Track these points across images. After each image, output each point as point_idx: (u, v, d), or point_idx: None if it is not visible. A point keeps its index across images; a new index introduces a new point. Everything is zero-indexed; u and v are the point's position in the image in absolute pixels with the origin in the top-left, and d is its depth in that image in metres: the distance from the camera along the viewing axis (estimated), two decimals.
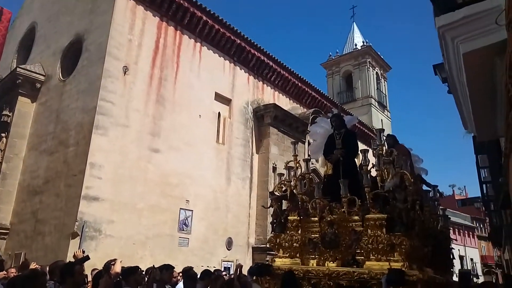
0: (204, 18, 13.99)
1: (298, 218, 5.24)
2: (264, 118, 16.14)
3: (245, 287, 5.05)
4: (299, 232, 5.16)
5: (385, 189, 4.71)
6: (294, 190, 5.62)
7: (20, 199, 11.93)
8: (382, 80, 30.76)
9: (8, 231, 11.69)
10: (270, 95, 17.38)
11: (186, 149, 12.72)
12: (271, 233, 5.82)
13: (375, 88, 29.16)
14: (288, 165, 5.98)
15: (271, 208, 5.89)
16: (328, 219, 4.85)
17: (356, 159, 5.99)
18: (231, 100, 15.16)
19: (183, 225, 12.23)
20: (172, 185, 12.05)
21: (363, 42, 30.63)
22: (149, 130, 11.81)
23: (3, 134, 12.38)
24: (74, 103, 11.44)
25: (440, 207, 7.24)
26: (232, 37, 15.11)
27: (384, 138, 6.21)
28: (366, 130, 22.99)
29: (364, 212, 4.69)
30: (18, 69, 12.79)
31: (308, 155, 17.55)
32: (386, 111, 29.77)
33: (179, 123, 12.71)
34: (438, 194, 6.99)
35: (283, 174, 6.03)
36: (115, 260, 5.92)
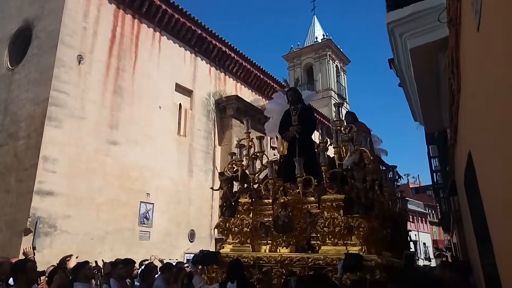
0: (164, 7, 13.65)
1: (250, 200, 4.91)
2: (227, 110, 16.10)
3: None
4: (251, 215, 4.83)
5: (343, 167, 4.49)
6: (246, 171, 5.31)
7: None
8: (342, 73, 31.52)
9: None
10: (232, 87, 17.33)
11: (146, 142, 12.45)
12: (219, 217, 5.47)
13: (335, 81, 29.86)
14: (240, 143, 5.60)
15: (221, 190, 5.49)
16: (282, 200, 4.55)
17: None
18: (192, 91, 14.97)
19: (144, 219, 12.04)
20: (132, 178, 11.78)
21: (323, 35, 31.18)
22: (107, 122, 11.43)
23: None
24: (24, 94, 10.82)
25: (399, 188, 7.39)
26: (192, 27, 14.87)
27: (342, 114, 5.96)
28: (326, 122, 23.55)
29: (321, 192, 4.44)
30: None
31: (271, 147, 17.82)
32: (345, 103, 30.59)
33: (138, 114, 12.40)
34: (397, 175, 6.83)
35: (235, 153, 5.64)
36: (70, 256, 5.73)
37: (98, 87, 11.38)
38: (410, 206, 41.45)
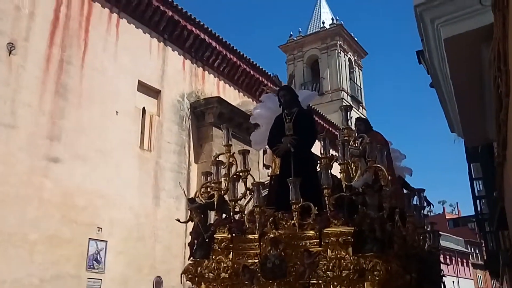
0: None
1: (229, 236, 4.81)
2: (206, 116, 16.19)
3: None
4: (230, 256, 4.74)
5: (351, 190, 4.43)
6: (225, 196, 5.21)
7: None
8: (357, 68, 31.97)
9: None
10: (213, 86, 17.48)
11: (98, 158, 12.46)
12: (188, 259, 5.32)
13: (348, 78, 30.23)
14: (217, 159, 5.50)
15: (190, 223, 5.39)
16: (271, 236, 4.43)
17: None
18: (160, 91, 15.10)
19: (94, 262, 12.00)
20: (77, 207, 11.76)
21: (332, 19, 31.68)
22: (46, 133, 11.45)
23: None
24: None
25: (429, 219, 7.18)
26: (161, 8, 15.08)
27: (351, 118, 5.87)
28: (335, 132, 23.76)
29: (323, 224, 4.34)
30: None
31: (264, 164, 17.89)
32: (361, 107, 30.94)
33: (88, 122, 12.43)
34: (425, 202, 6.72)
35: (211, 173, 5.54)
36: None
37: (34, 85, 11.42)
38: (446, 244, 41.68)
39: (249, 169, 5.39)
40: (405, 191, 6.50)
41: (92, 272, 11.83)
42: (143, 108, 14.53)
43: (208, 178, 5.64)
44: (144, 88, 14.55)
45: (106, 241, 12.28)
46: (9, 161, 10.58)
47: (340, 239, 4.21)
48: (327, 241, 4.28)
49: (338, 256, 4.16)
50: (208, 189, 5.49)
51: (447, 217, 46.53)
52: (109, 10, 13.79)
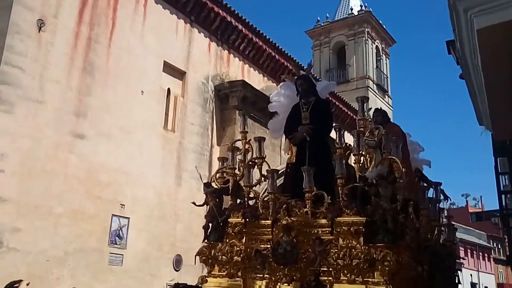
0: None
1: (243, 220, 4.89)
2: (229, 99, 16.17)
3: None
4: (243, 240, 4.83)
5: (365, 181, 4.46)
6: (240, 182, 5.30)
7: None
8: (384, 56, 31.45)
9: None
10: (238, 69, 17.43)
11: (122, 136, 12.58)
12: (203, 241, 5.42)
13: (374, 66, 29.80)
14: (233, 145, 5.62)
15: (205, 206, 5.51)
16: (284, 222, 4.47)
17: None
18: (185, 73, 15.10)
19: (116, 238, 12.16)
20: (102, 184, 11.92)
21: (361, 6, 31.18)
22: (72, 109, 11.58)
23: None
24: None
25: (445, 213, 7.31)
26: None
27: (368, 110, 5.91)
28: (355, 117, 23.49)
29: (335, 213, 4.39)
30: None
31: (284, 151, 17.83)
32: (387, 96, 30.51)
33: (114, 100, 12.54)
34: (442, 195, 6.66)
35: (226, 159, 5.64)
36: (19, 281, 5.80)
37: (62, 62, 11.53)
38: (468, 237, 41.13)
39: (264, 156, 5.48)
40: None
41: (114, 248, 12.01)
42: (168, 89, 14.58)
43: (225, 163, 5.73)
44: (169, 69, 14.58)
45: (129, 218, 12.44)
46: (36, 135, 10.75)
47: (351, 229, 4.25)
48: (338, 230, 4.33)
49: (349, 245, 4.21)
50: (224, 174, 5.59)
51: (470, 211, 45.79)
52: None
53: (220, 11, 16.21)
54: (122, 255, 12.17)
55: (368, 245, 4.13)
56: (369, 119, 5.88)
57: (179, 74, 15.00)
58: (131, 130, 12.86)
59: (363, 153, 4.91)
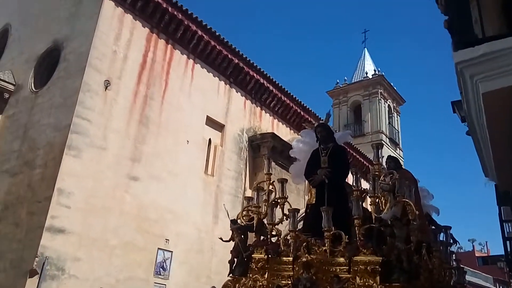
0: (200, 32, 14.50)
1: (265, 256, 4.68)
2: (261, 149, 16.39)
3: None
4: (266, 276, 4.59)
5: (381, 221, 4.29)
6: (264, 220, 5.10)
7: None
8: (395, 114, 31.50)
9: None
10: (268, 123, 17.73)
11: (170, 179, 12.83)
12: (228, 275, 5.19)
13: (387, 122, 29.82)
14: (258, 185, 5.48)
15: (232, 242, 5.29)
16: (304, 259, 4.29)
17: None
18: (224, 126, 15.44)
19: (161, 269, 12.13)
20: (150, 220, 12.05)
21: (374, 70, 31.59)
22: (129, 155, 11.95)
23: None
24: (46, 119, 11.60)
25: (454, 257, 6.83)
26: (229, 56, 15.60)
27: (382, 157, 5.66)
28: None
29: (352, 252, 4.21)
30: None
31: (308, 199, 17.76)
32: (398, 149, 30.28)
33: (164, 148, 12.89)
34: (451, 239, 6.45)
35: (252, 198, 5.48)
36: None
37: (123, 115, 12.03)
38: (475, 280, 39.14)
39: (286, 196, 5.35)
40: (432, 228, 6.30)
41: (158, 278, 11.96)
42: (209, 139, 14.88)
43: (250, 202, 5.62)
44: (211, 122, 14.95)
45: (172, 251, 12.44)
46: (98, 177, 11.09)
47: (368, 268, 4.06)
48: (356, 268, 4.14)
49: (366, 284, 4.02)
50: (249, 212, 5.46)
51: (476, 255, 43.85)
52: (186, 56, 14.44)
53: (255, 74, 16.73)
54: (165, 284, 12.09)
55: (385, 284, 3.94)
56: (383, 166, 5.75)
57: (219, 126, 15.36)
58: (177, 173, 13.11)
59: (379, 195, 4.73)
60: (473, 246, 46.16)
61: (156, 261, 12.02)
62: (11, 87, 13.26)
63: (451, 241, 6.51)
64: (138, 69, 12.75)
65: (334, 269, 4.31)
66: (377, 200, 4.58)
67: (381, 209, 4.59)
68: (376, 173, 4.87)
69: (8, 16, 15.91)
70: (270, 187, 5.40)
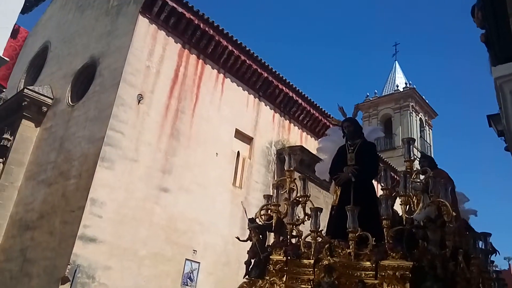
0: (230, 47, 14.65)
1: (284, 258, 4.40)
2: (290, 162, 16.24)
3: None
4: (284, 279, 4.31)
5: (412, 223, 3.95)
6: (284, 219, 4.83)
7: (9, 234, 12.21)
8: (427, 127, 30.75)
9: None
10: (297, 136, 17.62)
11: (198, 191, 12.90)
12: (243, 277, 4.96)
13: (418, 136, 29.10)
14: (278, 183, 5.15)
15: (249, 242, 5.01)
16: (326, 262, 3.96)
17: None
18: (252, 138, 15.47)
19: (188, 280, 12.14)
20: (179, 231, 12.13)
21: (406, 83, 31.02)
22: (160, 167, 12.11)
23: (0, 160, 12.91)
24: (81, 131, 11.94)
25: (494, 267, 6.49)
26: (259, 70, 15.66)
27: (416, 155, 5.48)
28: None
29: (380, 256, 3.85)
30: (25, 90, 13.54)
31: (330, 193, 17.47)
32: None
33: (194, 160, 13.00)
34: (491, 247, 5.84)
35: (271, 196, 5.17)
36: None
37: (155, 128, 12.23)
38: None
39: (308, 195, 4.97)
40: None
41: None
42: (238, 152, 14.92)
43: (269, 200, 5.28)
44: (239, 135, 15.01)
45: (199, 262, 12.43)
46: (130, 188, 11.28)
47: (397, 273, 3.69)
48: (383, 274, 3.78)
49: None
50: (269, 211, 5.14)
51: None
52: (217, 70, 14.60)
53: (284, 88, 16.72)
54: None
55: None
56: (415, 158, 5.24)
57: (248, 139, 15.39)
58: (206, 185, 13.18)
59: (410, 194, 4.31)
60: (509, 265, 44.03)
61: (183, 271, 12.04)
62: (49, 101, 13.77)
63: (490, 249, 5.86)
64: (170, 84, 12.98)
65: (358, 274, 3.98)
66: (408, 200, 4.22)
67: (412, 209, 4.27)
68: (408, 170, 4.49)
69: (48, 34, 16.62)
70: (291, 185, 5.07)
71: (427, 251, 3.71)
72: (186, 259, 12.16)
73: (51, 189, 11.78)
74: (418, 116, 29.87)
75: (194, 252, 12.42)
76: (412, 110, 29.25)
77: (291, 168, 5.25)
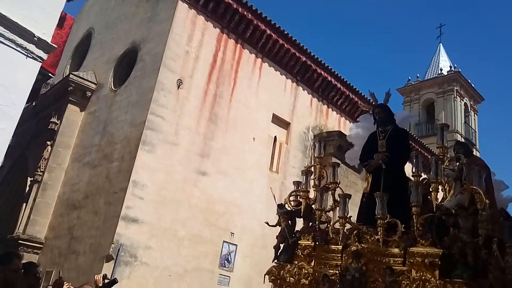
0: (268, 31, 14.57)
1: (313, 244, 4.42)
2: (327, 147, 16.07)
3: None
4: (312, 264, 4.33)
5: (443, 210, 3.83)
6: (313, 206, 4.80)
7: (57, 213, 12.87)
8: (472, 113, 29.60)
9: (42, 246, 12.59)
10: (335, 121, 17.41)
11: (236, 175, 13.06)
12: (273, 261, 4.98)
13: (463, 122, 28.09)
14: (308, 169, 5.13)
15: (278, 227, 5.02)
16: (354, 248, 3.96)
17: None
18: (290, 123, 15.43)
19: (225, 261, 12.39)
20: (217, 213, 12.36)
21: (450, 67, 29.87)
22: (199, 151, 12.33)
23: (48, 142, 13.57)
24: (123, 116, 12.32)
25: None
26: (297, 54, 15.51)
27: (447, 141, 4.94)
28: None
29: (408, 243, 3.82)
30: (70, 76, 14.08)
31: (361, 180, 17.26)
32: (475, 150, 28.38)
33: (231, 145, 13.14)
34: None
35: (300, 182, 5.16)
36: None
37: (194, 113, 12.44)
38: None
39: (338, 182, 4.95)
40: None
41: (223, 270, 12.24)
42: (275, 137, 14.94)
43: (298, 187, 5.28)
44: (277, 120, 15.01)
45: (236, 245, 12.66)
46: (170, 171, 11.59)
47: (426, 260, 3.64)
48: (412, 261, 3.74)
49: (423, 278, 3.62)
50: (298, 197, 5.15)
51: None
52: (255, 55, 14.58)
53: (322, 72, 16.49)
54: (229, 277, 12.35)
55: (444, 280, 3.53)
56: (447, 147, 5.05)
57: (285, 124, 15.36)
58: (244, 169, 13.32)
59: (442, 181, 4.19)
60: None
61: (221, 253, 12.30)
62: (93, 86, 14.24)
63: None
64: (208, 69, 13.11)
65: (387, 260, 3.95)
66: (438, 186, 4.10)
67: (444, 197, 4.17)
68: (440, 156, 4.37)
69: (92, 21, 17.09)
70: (321, 171, 5.06)
71: (458, 239, 3.63)
72: (223, 241, 12.40)
73: (95, 171, 12.27)
74: (463, 101, 28.78)
75: (231, 235, 12.64)
76: (457, 95, 28.20)
77: (321, 155, 5.26)
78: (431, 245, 3.71)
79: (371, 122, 5.46)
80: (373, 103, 5.66)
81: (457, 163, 4.48)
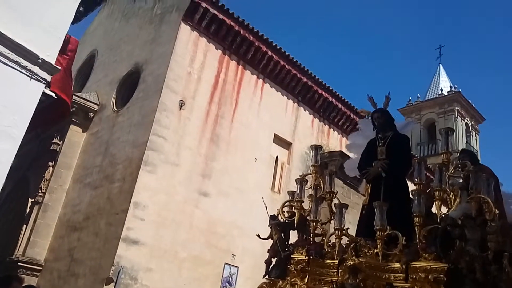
0: (270, 53, 14.72)
1: (307, 258, 4.15)
2: (328, 167, 16.05)
3: None
4: (306, 280, 4.07)
5: (448, 221, 3.58)
6: (307, 217, 4.52)
7: (58, 234, 12.77)
8: (473, 133, 29.63)
9: (41, 268, 12.44)
10: (336, 141, 17.40)
11: (237, 195, 12.99)
12: (263, 277, 4.74)
13: (464, 141, 28.09)
14: (303, 178, 4.86)
15: (270, 240, 4.77)
16: (350, 263, 3.65)
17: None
18: (291, 143, 15.42)
19: (227, 283, 12.21)
20: (218, 235, 12.25)
21: (450, 87, 30.04)
22: (200, 171, 12.31)
23: (50, 163, 13.56)
24: (125, 136, 12.35)
25: None
26: (298, 75, 15.63)
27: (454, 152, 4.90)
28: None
29: (411, 257, 3.54)
30: (73, 97, 14.13)
31: (361, 192, 17.10)
32: None
33: (233, 165, 13.12)
34: None
35: (295, 192, 4.91)
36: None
37: (195, 133, 12.47)
38: None
39: (335, 191, 4.67)
40: None
41: None
42: (276, 157, 14.93)
43: (293, 197, 5.01)
44: (278, 140, 15.01)
45: (238, 267, 12.48)
46: (171, 192, 11.53)
47: (430, 276, 3.38)
48: (414, 276, 3.47)
49: None
50: (293, 208, 4.88)
51: None
52: (256, 76, 14.70)
53: (323, 93, 16.58)
54: None
55: None
56: (453, 152, 4.85)
57: (286, 144, 15.36)
58: (245, 190, 13.23)
59: (447, 189, 3.90)
60: None
61: (222, 275, 12.13)
62: (95, 107, 14.33)
63: None
64: (210, 90, 13.20)
65: (387, 276, 3.65)
66: (443, 196, 3.83)
67: (449, 207, 3.89)
68: (444, 162, 4.11)
69: (96, 43, 17.32)
70: (317, 181, 4.76)
71: (464, 252, 3.38)
72: (225, 263, 12.24)
73: (97, 192, 12.23)
74: (464, 121, 28.85)
75: (233, 257, 12.49)
76: (458, 115, 28.28)
77: (317, 163, 4.92)
78: (436, 259, 3.48)
79: (371, 128, 5.19)
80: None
81: (463, 171, 4.24)
